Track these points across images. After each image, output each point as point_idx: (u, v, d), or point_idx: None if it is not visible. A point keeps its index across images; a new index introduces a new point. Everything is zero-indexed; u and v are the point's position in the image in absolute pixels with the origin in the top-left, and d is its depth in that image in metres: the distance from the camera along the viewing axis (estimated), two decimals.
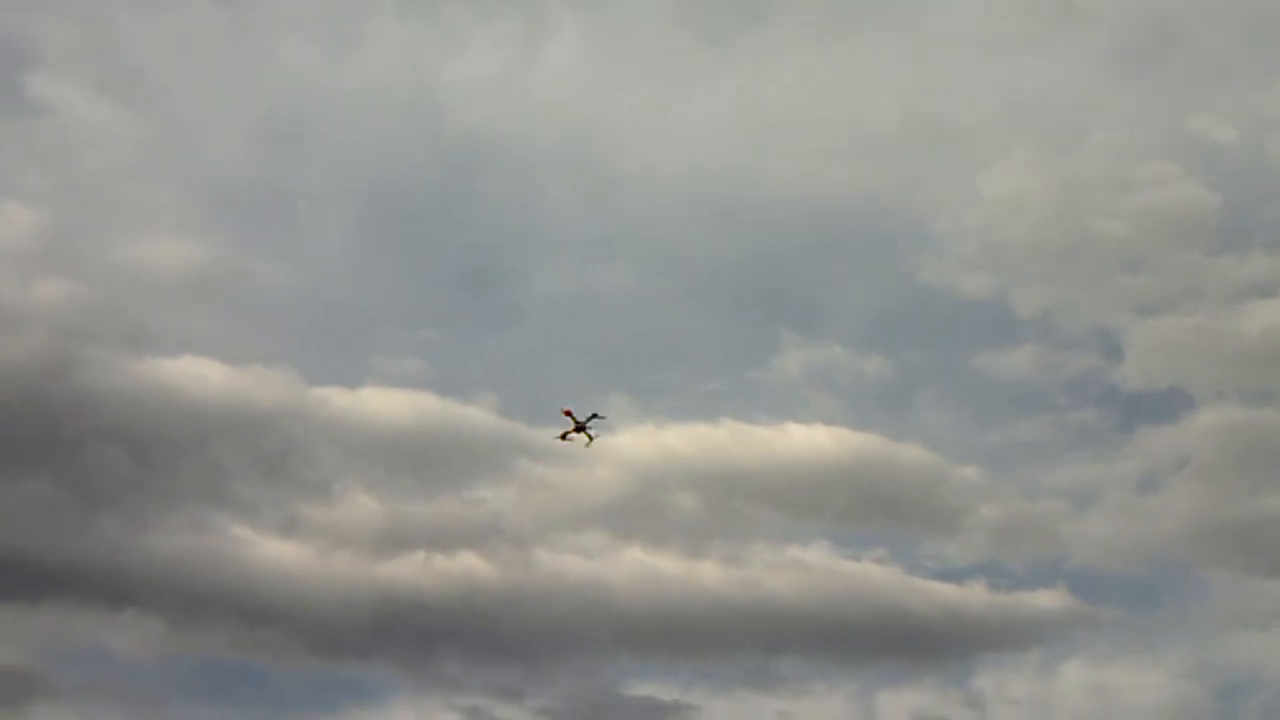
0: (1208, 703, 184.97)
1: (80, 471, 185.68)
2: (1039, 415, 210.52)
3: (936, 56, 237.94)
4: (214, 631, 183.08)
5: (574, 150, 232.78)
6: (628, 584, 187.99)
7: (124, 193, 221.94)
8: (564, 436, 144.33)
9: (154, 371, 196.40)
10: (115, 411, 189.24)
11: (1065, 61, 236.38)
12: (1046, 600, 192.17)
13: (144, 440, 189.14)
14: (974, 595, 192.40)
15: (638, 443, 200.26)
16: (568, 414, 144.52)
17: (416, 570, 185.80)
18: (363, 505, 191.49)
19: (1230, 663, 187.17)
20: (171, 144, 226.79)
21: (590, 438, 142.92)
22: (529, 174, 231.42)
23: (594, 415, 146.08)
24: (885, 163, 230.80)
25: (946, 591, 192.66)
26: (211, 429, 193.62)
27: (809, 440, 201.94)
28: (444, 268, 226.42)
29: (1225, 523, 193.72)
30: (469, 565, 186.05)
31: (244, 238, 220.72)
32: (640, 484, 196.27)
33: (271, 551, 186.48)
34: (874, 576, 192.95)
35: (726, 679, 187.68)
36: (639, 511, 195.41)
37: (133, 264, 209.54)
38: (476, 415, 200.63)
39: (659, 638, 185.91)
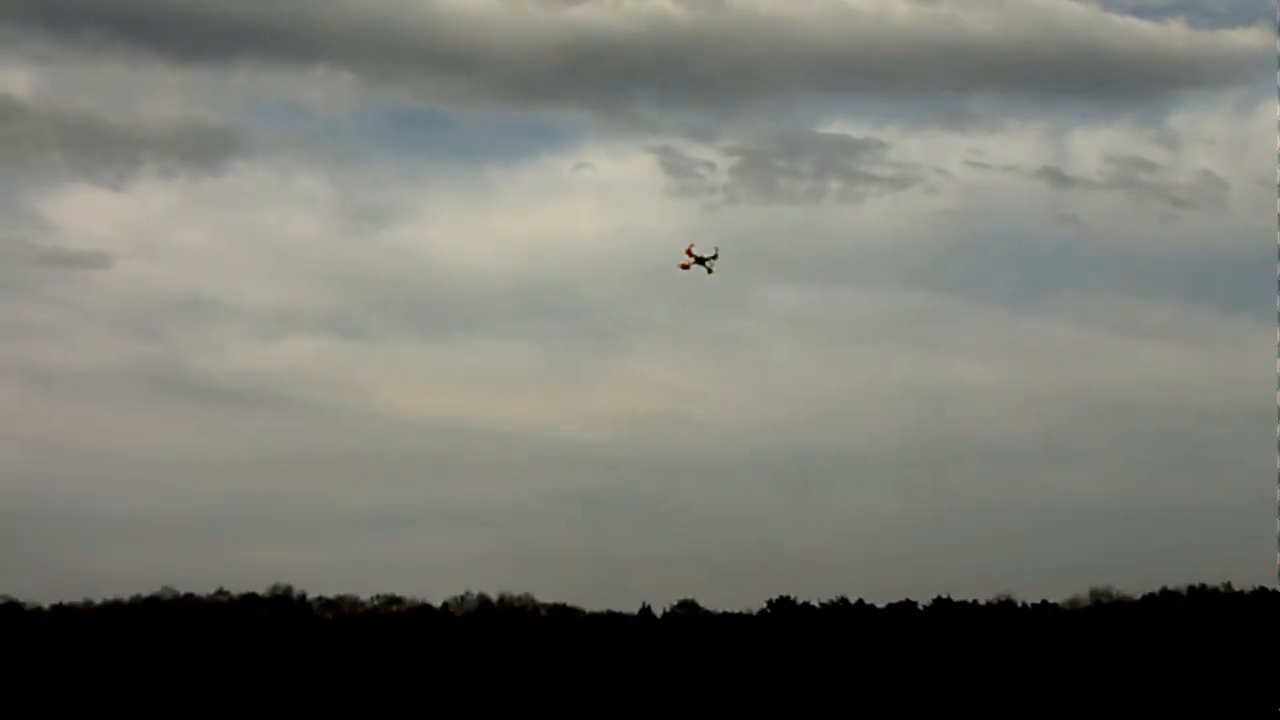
0: None
1: None
2: None
3: None
4: (404, 81, 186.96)
5: None
6: (818, 20, 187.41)
7: None
8: (685, 267, 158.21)
9: None
10: None
11: None
12: (1248, 39, 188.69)
13: None
14: (1172, 32, 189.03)
15: None
16: (689, 252, 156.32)
17: (606, 12, 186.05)
18: None
19: None
20: None
21: (710, 270, 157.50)
22: None
23: (715, 255, 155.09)
24: None
25: (1143, 28, 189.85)
26: None
27: None
28: None
29: None
30: (658, 6, 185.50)
31: None
32: None
33: None
34: (1068, 10, 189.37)
35: (918, 117, 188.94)
36: None
37: None
38: None
39: (851, 75, 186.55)
